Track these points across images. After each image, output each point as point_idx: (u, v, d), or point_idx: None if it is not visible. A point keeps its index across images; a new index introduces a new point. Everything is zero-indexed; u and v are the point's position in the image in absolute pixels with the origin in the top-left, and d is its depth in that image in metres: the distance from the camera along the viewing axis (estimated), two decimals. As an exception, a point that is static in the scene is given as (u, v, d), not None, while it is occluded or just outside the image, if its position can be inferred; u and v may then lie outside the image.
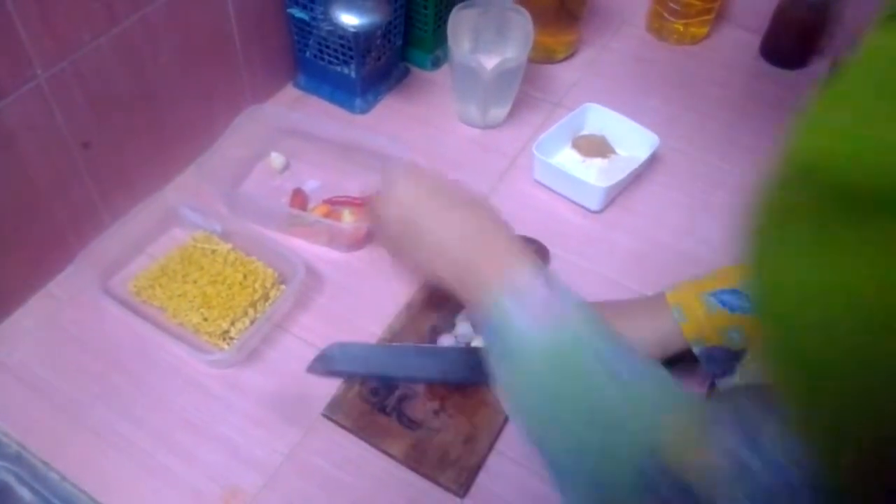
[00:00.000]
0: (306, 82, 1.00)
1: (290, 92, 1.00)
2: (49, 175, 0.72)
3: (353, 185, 0.86)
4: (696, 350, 0.66)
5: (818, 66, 1.06)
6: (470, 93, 0.93)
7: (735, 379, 0.66)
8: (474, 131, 0.96)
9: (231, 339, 0.74)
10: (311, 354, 0.72)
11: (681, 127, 0.97)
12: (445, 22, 0.92)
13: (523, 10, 0.93)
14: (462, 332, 0.74)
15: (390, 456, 0.67)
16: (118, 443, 0.67)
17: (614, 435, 0.42)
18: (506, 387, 0.49)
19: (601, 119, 0.93)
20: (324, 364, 0.72)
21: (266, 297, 0.76)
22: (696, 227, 0.86)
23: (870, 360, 0.26)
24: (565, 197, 0.88)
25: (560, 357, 0.45)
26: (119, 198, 0.80)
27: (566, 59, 1.06)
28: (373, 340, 0.74)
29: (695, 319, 0.66)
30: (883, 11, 0.28)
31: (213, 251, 0.79)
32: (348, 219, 0.82)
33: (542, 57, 1.03)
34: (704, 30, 1.10)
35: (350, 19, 0.84)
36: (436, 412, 0.69)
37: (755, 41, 1.09)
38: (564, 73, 1.04)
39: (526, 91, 0.98)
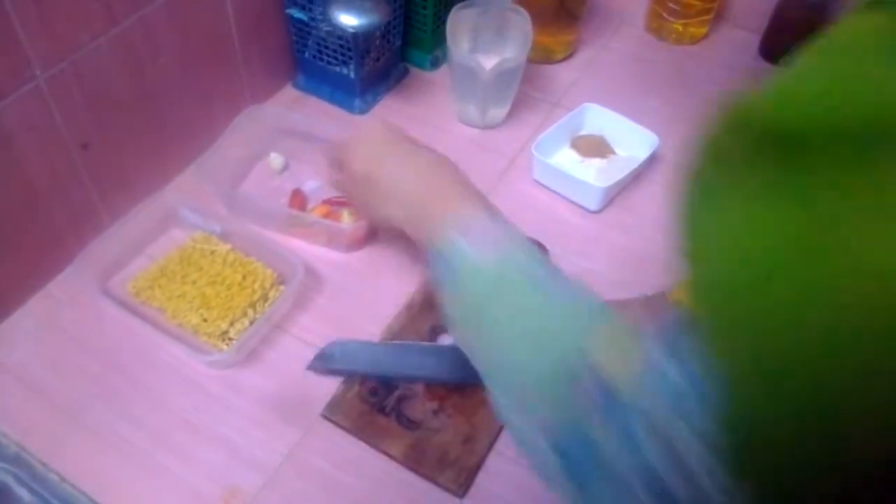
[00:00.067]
0: (305, 83, 1.00)
1: (290, 92, 1.00)
2: (48, 176, 0.72)
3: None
4: None
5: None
6: (469, 93, 0.93)
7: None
8: (473, 131, 0.96)
9: (230, 339, 0.74)
10: (310, 355, 0.72)
11: (680, 127, 0.96)
12: (444, 22, 0.92)
13: (522, 10, 0.93)
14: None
15: (389, 456, 0.67)
16: (117, 443, 0.67)
17: (546, 338, 0.45)
18: (449, 306, 0.54)
19: (600, 119, 0.93)
20: (324, 362, 0.72)
21: (265, 298, 0.76)
22: (695, 227, 0.85)
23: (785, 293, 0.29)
24: (564, 197, 0.88)
25: (498, 276, 0.50)
26: (118, 198, 0.80)
27: (565, 59, 1.06)
28: (373, 340, 0.74)
29: None
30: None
31: (213, 252, 0.79)
32: (347, 219, 0.82)
33: (541, 57, 1.03)
34: (703, 30, 1.10)
35: (349, 20, 0.84)
36: (435, 412, 0.69)
37: (754, 41, 1.09)
38: (563, 73, 1.04)
39: (525, 91, 0.98)
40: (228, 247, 0.80)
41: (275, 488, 0.65)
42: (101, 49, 0.71)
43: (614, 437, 0.37)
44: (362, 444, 0.68)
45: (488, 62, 0.90)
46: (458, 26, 0.93)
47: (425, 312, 0.76)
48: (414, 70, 1.04)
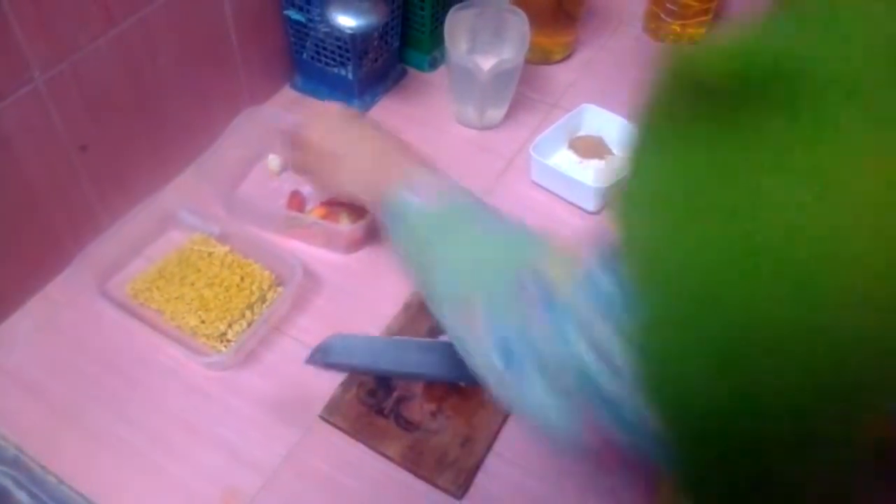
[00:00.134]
0: (304, 84, 1.00)
1: (288, 93, 1.00)
2: (47, 177, 0.72)
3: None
4: None
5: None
6: (467, 94, 0.93)
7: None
8: (471, 132, 0.96)
9: (228, 341, 0.74)
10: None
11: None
12: (442, 23, 0.92)
13: (520, 11, 0.93)
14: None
15: (388, 458, 0.67)
16: (116, 445, 0.67)
17: (496, 258, 0.52)
18: (403, 253, 0.60)
19: (598, 120, 0.93)
20: (323, 355, 0.72)
21: (263, 300, 0.76)
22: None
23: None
24: (562, 198, 0.88)
25: (447, 215, 0.58)
26: (117, 200, 0.80)
27: (563, 60, 1.06)
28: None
29: None
30: None
31: (211, 253, 0.79)
32: (346, 221, 0.82)
33: (538, 58, 1.03)
34: (702, 30, 1.10)
35: (347, 21, 0.84)
36: (433, 414, 0.69)
37: (752, 42, 1.09)
38: (561, 74, 1.04)
39: (523, 92, 0.98)
40: (227, 248, 0.80)
41: (273, 490, 0.65)
42: (100, 50, 0.71)
43: (551, 334, 0.42)
44: (361, 446, 0.68)
45: (486, 63, 0.90)
46: (456, 27, 0.93)
47: (424, 313, 0.76)
48: (412, 71, 1.04)
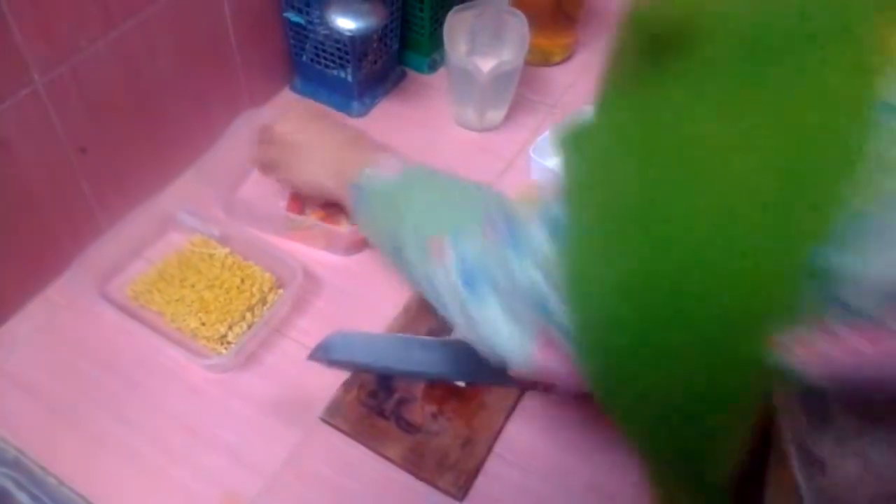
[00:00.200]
0: (303, 86, 1.00)
1: (287, 96, 1.00)
2: (46, 180, 0.72)
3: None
4: None
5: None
6: (466, 96, 0.93)
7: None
8: (471, 134, 0.96)
9: (229, 343, 0.74)
10: (309, 358, 0.73)
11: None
12: (442, 25, 0.92)
13: (519, 12, 0.93)
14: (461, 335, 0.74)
15: (389, 460, 0.67)
16: (116, 447, 0.67)
17: (462, 197, 0.58)
18: (370, 223, 0.66)
19: (598, 121, 0.93)
20: (325, 352, 0.72)
21: (264, 302, 0.76)
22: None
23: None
24: (562, 199, 0.88)
25: (409, 177, 0.64)
26: (116, 202, 0.80)
27: (563, 61, 1.07)
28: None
29: None
30: None
31: (211, 255, 0.79)
32: (346, 223, 0.82)
33: (538, 59, 1.03)
34: (700, 32, 1.10)
35: (346, 23, 0.84)
36: (434, 415, 0.69)
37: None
38: (561, 76, 1.05)
39: (522, 94, 0.99)
40: (227, 250, 0.80)
41: (274, 492, 0.65)
42: (100, 52, 0.71)
43: (509, 256, 0.45)
44: (361, 448, 0.68)
45: (486, 65, 0.90)
46: (456, 29, 0.93)
47: (423, 314, 0.76)
48: (411, 73, 1.04)
